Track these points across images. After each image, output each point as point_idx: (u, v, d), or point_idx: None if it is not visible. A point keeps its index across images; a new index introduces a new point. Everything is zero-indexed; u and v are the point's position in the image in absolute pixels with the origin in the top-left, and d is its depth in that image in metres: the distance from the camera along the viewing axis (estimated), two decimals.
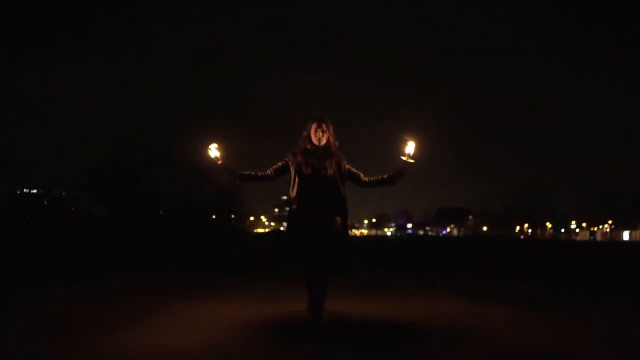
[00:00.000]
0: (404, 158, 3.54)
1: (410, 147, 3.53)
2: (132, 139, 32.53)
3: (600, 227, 72.36)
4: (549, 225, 77.99)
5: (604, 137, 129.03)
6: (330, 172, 3.46)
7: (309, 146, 3.52)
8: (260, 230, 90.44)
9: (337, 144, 3.58)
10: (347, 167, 3.59)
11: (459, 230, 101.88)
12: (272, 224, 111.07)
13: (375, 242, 28.37)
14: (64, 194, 45.88)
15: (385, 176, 3.62)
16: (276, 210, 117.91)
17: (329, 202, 3.44)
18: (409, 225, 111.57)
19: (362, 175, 3.63)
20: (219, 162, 3.54)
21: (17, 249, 13.61)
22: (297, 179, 3.48)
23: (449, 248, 21.39)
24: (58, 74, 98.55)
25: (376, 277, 7.31)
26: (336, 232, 3.44)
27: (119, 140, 32.96)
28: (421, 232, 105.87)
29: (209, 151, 3.53)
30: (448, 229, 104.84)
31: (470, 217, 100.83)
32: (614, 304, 4.91)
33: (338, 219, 3.47)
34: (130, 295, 4.81)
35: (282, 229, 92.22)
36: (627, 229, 67.94)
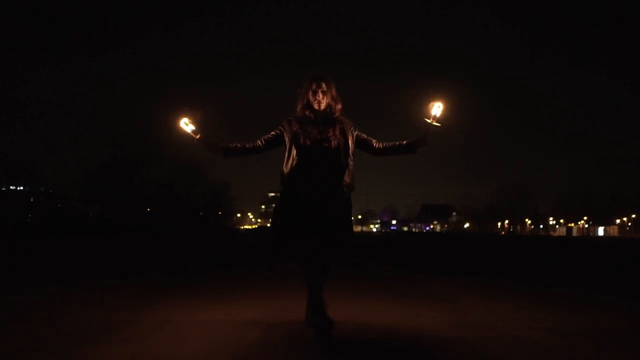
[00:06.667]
0: (428, 121, 2.97)
1: (436, 109, 2.96)
2: (124, 139, 33.32)
3: (578, 223, 74.81)
4: (528, 222, 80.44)
5: (594, 136, 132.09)
6: (334, 142, 2.93)
7: (307, 112, 2.98)
8: (247, 226, 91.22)
9: (339, 107, 3.02)
10: (355, 133, 3.06)
11: (442, 227, 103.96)
12: (259, 220, 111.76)
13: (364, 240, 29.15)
14: (50, 191, 46.04)
15: (404, 142, 3.06)
16: (263, 207, 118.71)
17: (332, 179, 2.92)
18: (394, 222, 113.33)
19: (374, 142, 3.09)
20: (196, 137, 3.02)
21: None
22: (293, 152, 2.93)
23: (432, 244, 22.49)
24: (51, 75, 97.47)
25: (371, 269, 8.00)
26: (340, 216, 2.94)
27: (111, 141, 33.73)
28: (405, 229, 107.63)
29: (184, 127, 3.02)
30: (431, 226, 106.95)
31: (454, 213, 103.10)
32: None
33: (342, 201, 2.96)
34: (111, 299, 4.15)
35: (269, 225, 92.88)
36: (602, 225, 70.50)
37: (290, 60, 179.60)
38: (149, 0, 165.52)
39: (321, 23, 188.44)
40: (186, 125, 3.02)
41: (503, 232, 79.85)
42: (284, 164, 2.96)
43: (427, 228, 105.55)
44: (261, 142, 3.03)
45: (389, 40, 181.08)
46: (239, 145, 3.05)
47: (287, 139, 2.98)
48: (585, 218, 72.45)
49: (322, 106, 2.96)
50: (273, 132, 3.04)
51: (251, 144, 3.04)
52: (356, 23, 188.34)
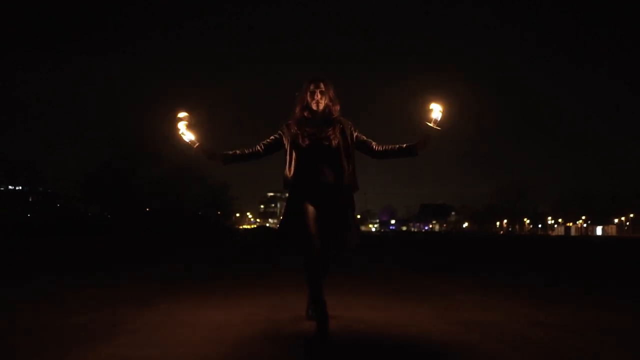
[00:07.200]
0: (429, 124, 2.92)
1: (437, 112, 2.91)
2: (124, 139, 33.32)
3: (576, 223, 74.94)
4: (527, 221, 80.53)
5: (594, 136, 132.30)
6: (334, 142, 2.92)
7: (306, 113, 2.96)
8: (246, 226, 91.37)
9: (337, 107, 3.01)
10: (355, 134, 3.04)
11: (440, 227, 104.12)
12: (258, 220, 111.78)
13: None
14: (49, 191, 46.02)
15: (405, 145, 3.00)
16: (262, 207, 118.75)
17: (334, 178, 2.92)
18: (392, 222, 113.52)
19: (374, 144, 3.05)
20: (195, 146, 2.98)
21: None
22: (293, 154, 2.93)
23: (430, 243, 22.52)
24: (51, 75, 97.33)
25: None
26: (343, 216, 2.95)
27: (111, 141, 33.75)
28: (404, 228, 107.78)
29: (182, 136, 2.99)
30: (430, 225, 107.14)
31: (453, 213, 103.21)
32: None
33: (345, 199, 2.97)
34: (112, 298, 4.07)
35: (268, 225, 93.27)
36: (600, 225, 70.65)
37: (290, 60, 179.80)
38: (149, 0, 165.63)
39: (321, 23, 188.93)
40: (183, 135, 2.99)
41: (502, 232, 79.92)
42: (287, 167, 2.96)
43: (426, 228, 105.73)
44: (260, 147, 3.03)
45: (389, 40, 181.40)
46: (237, 151, 3.04)
47: (286, 142, 2.97)
48: (583, 217, 72.62)
49: (321, 107, 2.95)
50: (272, 137, 3.05)
51: (250, 150, 3.04)
52: (356, 23, 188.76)
